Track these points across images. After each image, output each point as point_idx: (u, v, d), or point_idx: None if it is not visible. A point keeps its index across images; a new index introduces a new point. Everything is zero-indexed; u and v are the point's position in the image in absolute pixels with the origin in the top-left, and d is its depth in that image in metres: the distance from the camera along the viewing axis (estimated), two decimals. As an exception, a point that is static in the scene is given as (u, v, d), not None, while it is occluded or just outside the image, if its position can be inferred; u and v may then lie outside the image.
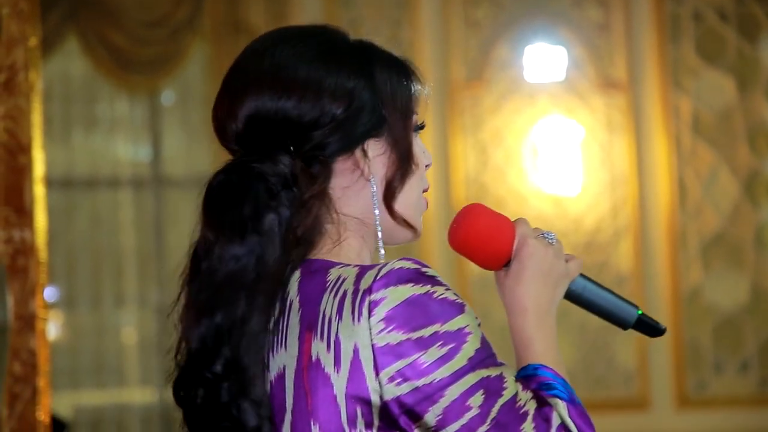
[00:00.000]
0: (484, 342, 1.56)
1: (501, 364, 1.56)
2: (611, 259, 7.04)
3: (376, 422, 1.53)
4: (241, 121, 1.66)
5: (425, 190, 1.73)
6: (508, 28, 7.09)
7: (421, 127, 1.72)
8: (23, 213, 3.00)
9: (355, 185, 1.66)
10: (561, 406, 1.58)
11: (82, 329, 7.20)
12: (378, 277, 1.54)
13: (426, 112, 1.73)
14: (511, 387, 1.55)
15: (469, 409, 1.52)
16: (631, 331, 1.78)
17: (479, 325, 1.57)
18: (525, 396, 1.56)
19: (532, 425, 1.54)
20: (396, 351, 1.52)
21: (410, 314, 1.53)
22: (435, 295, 1.54)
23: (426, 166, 1.73)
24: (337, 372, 1.54)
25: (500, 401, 1.53)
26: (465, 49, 7.08)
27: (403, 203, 1.68)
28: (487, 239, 1.68)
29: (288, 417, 1.58)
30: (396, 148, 1.67)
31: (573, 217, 7.03)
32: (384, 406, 1.53)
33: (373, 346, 1.52)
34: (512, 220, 1.70)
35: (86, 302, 7.16)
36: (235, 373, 1.59)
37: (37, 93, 3.07)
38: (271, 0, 7.01)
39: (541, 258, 1.67)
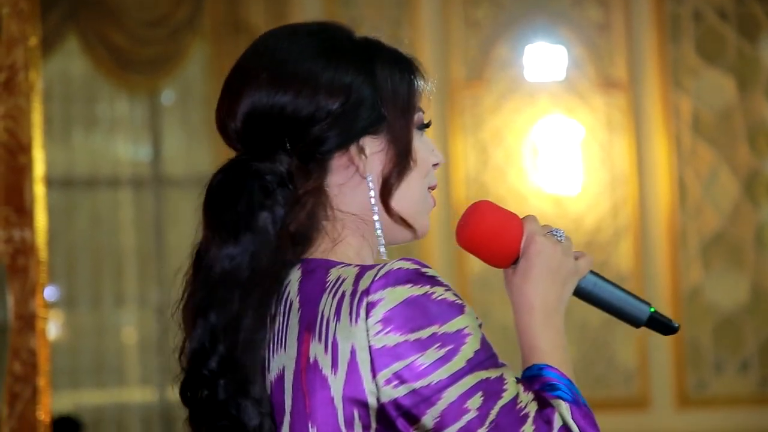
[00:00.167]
0: (484, 343, 1.53)
1: (502, 366, 1.54)
2: (611, 259, 7.04)
3: (373, 425, 1.52)
4: (239, 119, 1.65)
5: (432, 188, 1.71)
6: (508, 28, 7.09)
7: (427, 125, 1.70)
8: (23, 213, 3.00)
9: (350, 182, 1.64)
10: (564, 407, 1.56)
11: (82, 329, 7.20)
12: (376, 278, 1.52)
13: (428, 110, 1.72)
14: (512, 389, 1.53)
15: (467, 411, 1.50)
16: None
17: (480, 326, 1.55)
18: (526, 398, 1.54)
19: (533, 427, 1.52)
20: (393, 353, 1.50)
21: (408, 315, 1.51)
22: (434, 296, 1.52)
23: (435, 164, 1.70)
24: (335, 374, 1.52)
25: (500, 403, 1.51)
26: (465, 48, 7.08)
27: (402, 201, 1.66)
28: (494, 237, 1.66)
29: (287, 418, 1.57)
30: (394, 144, 1.65)
31: (573, 217, 7.03)
32: (381, 409, 1.51)
33: (370, 347, 1.51)
34: (521, 217, 1.68)
35: (86, 302, 7.16)
36: (231, 371, 1.58)
37: (37, 93, 3.07)
38: (272, 0, 7.01)
39: (549, 255, 1.65)
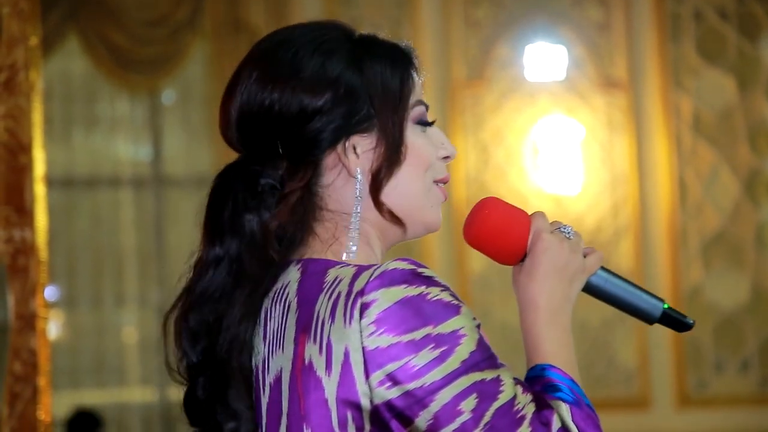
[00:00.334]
0: (481, 344, 1.51)
1: (500, 367, 1.51)
2: (612, 259, 7.03)
3: (367, 426, 1.50)
4: (234, 121, 1.65)
5: (442, 181, 1.68)
6: (509, 28, 7.09)
7: (430, 123, 1.67)
8: (24, 212, 3.00)
9: (339, 181, 1.63)
10: (564, 409, 1.53)
11: (82, 329, 7.20)
12: (371, 279, 1.51)
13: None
14: (508, 390, 1.50)
15: (461, 413, 1.48)
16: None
17: (479, 326, 1.52)
18: (524, 399, 1.51)
19: (529, 429, 1.49)
20: (386, 354, 1.48)
21: (402, 316, 1.49)
22: (429, 297, 1.50)
23: (446, 157, 1.68)
24: (329, 375, 1.51)
25: (495, 405, 1.49)
26: (465, 48, 7.08)
27: (396, 197, 1.63)
28: (500, 234, 1.63)
29: (284, 420, 1.56)
30: (384, 140, 1.62)
31: (573, 217, 7.02)
32: (375, 410, 1.49)
33: (363, 349, 1.49)
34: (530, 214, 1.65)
35: (87, 302, 7.16)
36: (211, 369, 1.59)
37: (38, 92, 3.07)
38: (272, 0, 7.01)
39: (555, 253, 1.62)
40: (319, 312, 1.54)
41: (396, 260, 1.53)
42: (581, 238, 1.66)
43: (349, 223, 1.62)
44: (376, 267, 1.52)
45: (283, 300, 1.59)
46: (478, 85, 7.06)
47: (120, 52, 6.96)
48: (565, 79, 7.08)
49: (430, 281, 1.51)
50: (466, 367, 1.49)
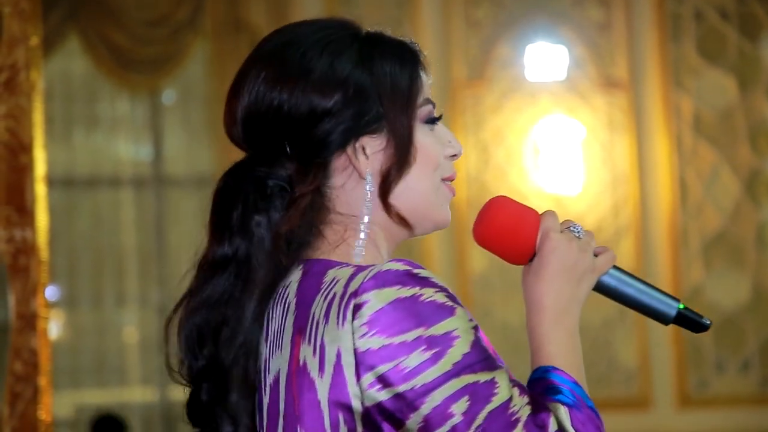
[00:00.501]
0: (476, 346, 1.48)
1: (497, 368, 1.49)
2: (612, 259, 7.03)
3: (359, 429, 1.48)
4: (240, 121, 1.63)
5: (450, 179, 1.66)
6: (509, 27, 7.09)
7: (438, 118, 1.66)
8: (24, 212, 3.00)
9: (349, 183, 1.61)
10: (562, 412, 1.51)
11: (83, 328, 7.21)
12: (366, 279, 1.49)
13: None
14: (503, 392, 1.47)
15: (452, 416, 1.45)
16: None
17: (476, 327, 1.49)
18: (520, 401, 1.48)
19: None
20: (378, 355, 1.46)
21: (394, 318, 1.47)
22: (422, 298, 1.47)
23: (453, 156, 1.66)
24: (321, 377, 1.50)
25: (488, 407, 1.46)
26: (466, 48, 7.08)
27: (407, 197, 1.62)
28: (508, 233, 1.60)
29: (280, 421, 1.55)
30: (394, 140, 1.60)
31: (574, 217, 6.97)
32: (366, 413, 1.48)
33: (355, 350, 1.47)
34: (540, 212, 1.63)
35: (87, 301, 7.16)
36: (216, 373, 1.58)
37: (39, 92, 3.07)
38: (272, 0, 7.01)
39: (563, 252, 1.60)
40: (314, 313, 1.53)
41: (391, 261, 1.51)
42: (593, 237, 1.64)
43: (357, 225, 1.61)
44: (371, 268, 1.51)
45: (283, 301, 1.58)
46: (479, 85, 7.06)
47: (120, 52, 6.96)
48: (566, 79, 7.08)
49: (424, 282, 1.49)
50: (458, 369, 1.46)
